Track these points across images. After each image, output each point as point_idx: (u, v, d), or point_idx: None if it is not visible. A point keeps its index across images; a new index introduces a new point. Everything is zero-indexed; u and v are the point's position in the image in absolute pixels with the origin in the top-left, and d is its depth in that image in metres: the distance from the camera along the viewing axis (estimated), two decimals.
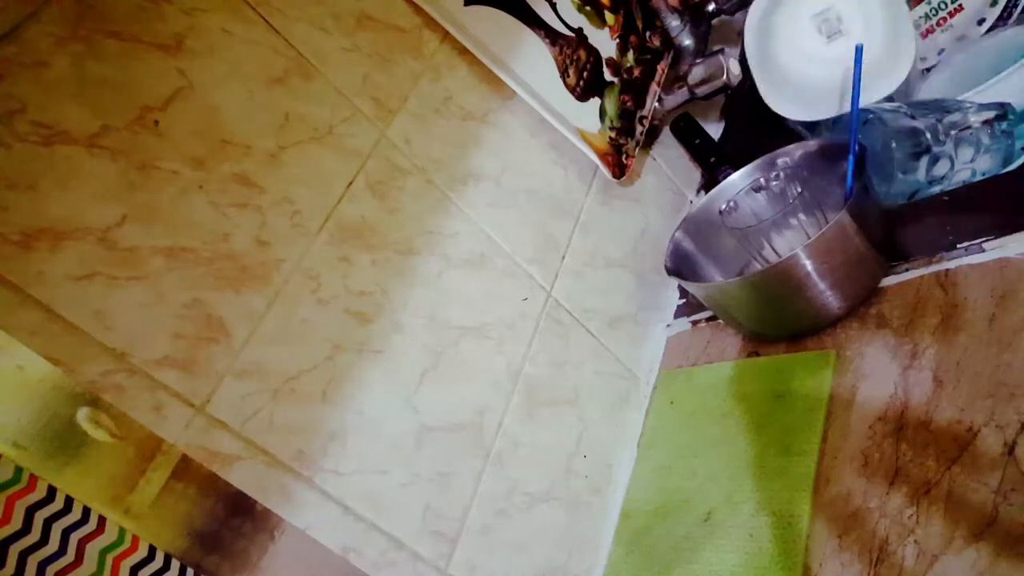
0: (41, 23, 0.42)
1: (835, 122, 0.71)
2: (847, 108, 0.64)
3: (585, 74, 0.73)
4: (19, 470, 0.36)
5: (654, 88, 0.80)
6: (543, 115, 0.68)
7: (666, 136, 0.90)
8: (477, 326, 0.61)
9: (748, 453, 0.60)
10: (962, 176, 0.62)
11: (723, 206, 0.71)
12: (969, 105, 0.61)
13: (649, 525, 0.63)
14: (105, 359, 0.41)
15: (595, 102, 0.74)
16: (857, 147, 0.60)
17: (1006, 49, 0.66)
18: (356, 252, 0.54)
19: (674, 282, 0.83)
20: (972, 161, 0.61)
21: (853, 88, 0.61)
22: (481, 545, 0.56)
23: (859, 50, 0.62)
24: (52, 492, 0.37)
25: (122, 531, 0.39)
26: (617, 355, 0.74)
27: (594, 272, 0.74)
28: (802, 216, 0.70)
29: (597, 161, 0.72)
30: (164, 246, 0.44)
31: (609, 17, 0.78)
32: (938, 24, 0.75)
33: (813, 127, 0.75)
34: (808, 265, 0.57)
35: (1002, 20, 0.71)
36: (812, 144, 0.68)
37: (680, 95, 0.81)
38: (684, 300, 0.81)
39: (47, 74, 0.42)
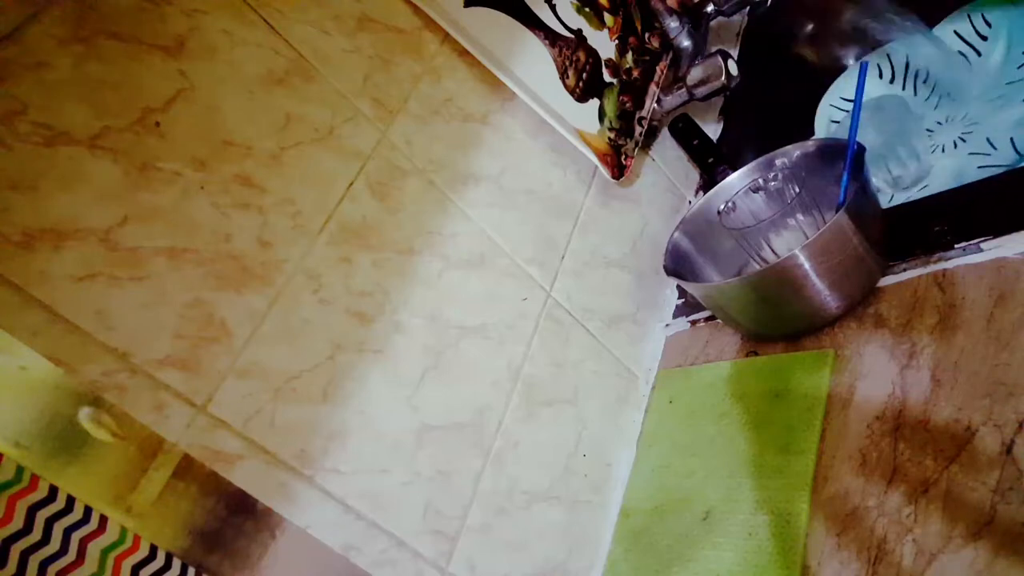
0: (42, 24, 0.42)
1: None
2: None
3: (584, 75, 0.74)
4: (21, 470, 0.36)
5: (653, 89, 0.81)
6: (543, 116, 0.68)
7: (665, 137, 0.90)
8: (477, 326, 0.61)
9: (747, 452, 0.60)
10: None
11: (721, 206, 0.72)
12: None
13: (648, 524, 0.63)
14: (107, 359, 0.41)
15: (594, 103, 0.74)
16: (855, 146, 0.61)
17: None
18: (357, 252, 0.54)
19: (673, 282, 0.83)
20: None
21: (856, 94, 0.61)
22: (481, 543, 0.56)
23: (864, 67, 0.62)
24: (54, 491, 0.37)
25: (123, 530, 0.39)
26: (616, 354, 0.74)
27: (593, 272, 0.75)
28: (800, 216, 0.70)
29: (596, 162, 0.72)
30: (166, 246, 0.44)
31: (608, 18, 0.78)
32: None
33: None
34: (806, 265, 0.57)
35: None
36: (810, 144, 0.69)
37: (679, 96, 0.81)
38: (683, 300, 0.81)
39: (48, 75, 0.42)
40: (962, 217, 0.59)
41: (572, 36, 0.74)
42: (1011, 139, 0.61)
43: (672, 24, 0.84)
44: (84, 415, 0.39)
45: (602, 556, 0.65)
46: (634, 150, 0.77)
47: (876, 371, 0.56)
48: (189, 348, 0.44)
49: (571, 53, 0.73)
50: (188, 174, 0.46)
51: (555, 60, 0.71)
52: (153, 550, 0.40)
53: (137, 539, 0.39)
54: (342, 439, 0.50)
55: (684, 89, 0.80)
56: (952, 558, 0.43)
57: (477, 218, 0.64)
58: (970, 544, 0.43)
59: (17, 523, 0.36)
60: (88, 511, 0.38)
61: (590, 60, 0.75)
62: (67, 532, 0.37)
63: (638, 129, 0.78)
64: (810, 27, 0.86)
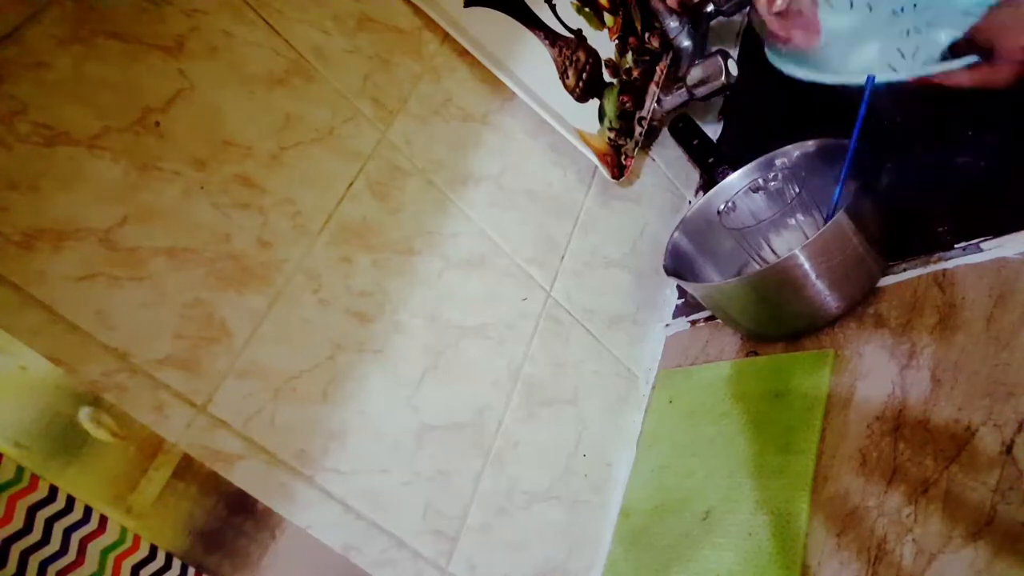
0: (42, 24, 0.42)
1: None
2: None
3: (584, 75, 0.74)
4: (21, 470, 0.36)
5: (653, 89, 0.81)
6: (543, 116, 0.68)
7: (665, 137, 0.90)
8: (477, 326, 0.61)
9: (747, 452, 0.60)
10: None
11: (721, 206, 0.72)
12: None
13: (648, 524, 0.63)
14: (107, 359, 0.41)
15: (594, 103, 0.74)
16: (855, 144, 0.61)
17: None
18: (357, 252, 0.54)
19: (672, 282, 0.83)
20: None
21: (863, 97, 0.61)
22: (481, 543, 0.56)
23: (870, 79, 0.62)
24: (54, 492, 0.37)
25: (124, 530, 0.39)
26: (616, 354, 0.74)
27: (593, 272, 0.75)
28: (800, 216, 0.70)
29: (596, 162, 0.72)
30: (166, 246, 0.44)
31: (608, 18, 0.78)
32: None
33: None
34: (806, 265, 0.57)
35: None
36: (810, 144, 0.69)
37: (679, 96, 0.81)
38: (683, 300, 0.81)
39: (48, 75, 0.42)
40: (962, 217, 0.59)
41: (572, 36, 0.74)
42: None
43: (672, 24, 0.84)
44: (84, 415, 0.39)
45: (602, 556, 0.65)
46: (634, 150, 0.77)
47: (876, 371, 0.56)
48: (189, 348, 0.44)
49: (571, 53, 0.73)
50: (188, 174, 0.46)
51: (555, 60, 0.71)
52: (153, 550, 0.40)
53: (137, 539, 0.39)
54: (342, 439, 0.50)
55: (684, 89, 0.80)
56: (952, 558, 0.43)
57: (477, 218, 0.64)
58: (970, 544, 0.43)
59: (17, 523, 0.36)
60: (88, 511, 0.38)
61: (590, 60, 0.75)
62: (67, 532, 0.37)
63: (638, 129, 0.78)
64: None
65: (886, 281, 0.61)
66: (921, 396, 0.52)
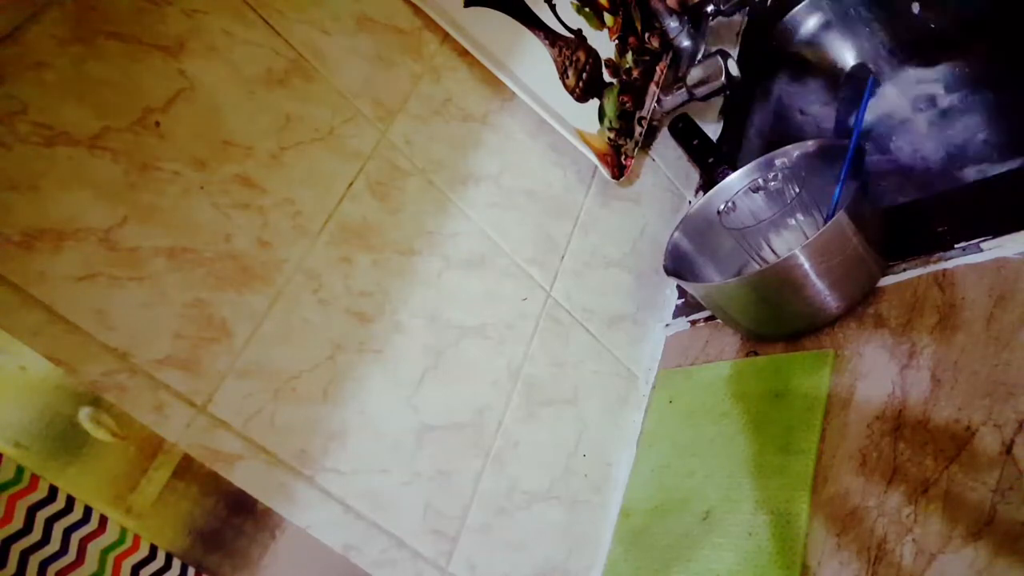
0: (42, 24, 0.42)
1: None
2: None
3: (584, 75, 0.74)
4: (21, 470, 0.36)
5: (653, 89, 0.81)
6: (542, 116, 0.68)
7: (665, 137, 0.90)
8: (477, 326, 0.61)
9: (747, 452, 0.60)
10: None
11: (721, 206, 0.72)
12: None
13: (648, 524, 0.63)
14: (107, 359, 0.41)
15: (594, 103, 0.74)
16: (855, 145, 0.61)
17: None
18: (357, 252, 0.54)
19: (673, 282, 0.83)
20: None
21: (862, 102, 0.61)
22: (481, 543, 0.56)
23: (871, 82, 0.62)
24: (53, 492, 0.37)
25: (123, 530, 0.39)
26: (616, 355, 0.74)
27: (593, 272, 0.75)
28: (800, 216, 0.70)
29: (596, 162, 0.72)
30: (166, 246, 0.44)
31: (608, 18, 0.78)
32: None
33: None
34: (806, 265, 0.57)
35: None
36: (810, 144, 0.69)
37: (679, 96, 0.81)
38: (683, 300, 0.81)
39: (48, 75, 0.42)
40: (962, 217, 0.59)
41: (572, 36, 0.74)
42: None
43: (672, 24, 0.84)
44: (84, 415, 0.39)
45: (602, 556, 0.65)
46: (634, 150, 0.77)
47: (876, 371, 0.56)
48: (189, 348, 0.44)
49: (571, 53, 0.73)
50: (188, 174, 0.46)
51: (555, 60, 0.71)
52: (153, 550, 0.40)
53: (137, 539, 0.39)
54: (342, 439, 0.50)
55: (684, 89, 0.80)
56: (952, 558, 0.43)
57: (477, 218, 0.64)
58: (970, 544, 0.43)
59: (17, 523, 0.36)
60: (88, 511, 0.38)
61: (590, 60, 0.75)
62: (67, 532, 0.37)
63: (638, 129, 0.78)
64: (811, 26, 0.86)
65: (886, 281, 0.61)
66: (921, 396, 0.52)
